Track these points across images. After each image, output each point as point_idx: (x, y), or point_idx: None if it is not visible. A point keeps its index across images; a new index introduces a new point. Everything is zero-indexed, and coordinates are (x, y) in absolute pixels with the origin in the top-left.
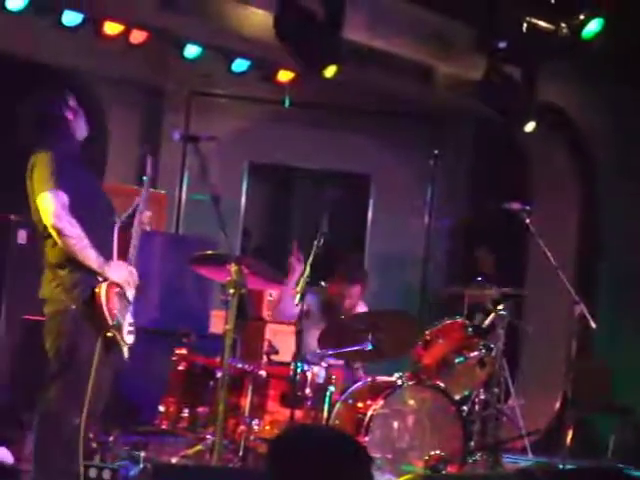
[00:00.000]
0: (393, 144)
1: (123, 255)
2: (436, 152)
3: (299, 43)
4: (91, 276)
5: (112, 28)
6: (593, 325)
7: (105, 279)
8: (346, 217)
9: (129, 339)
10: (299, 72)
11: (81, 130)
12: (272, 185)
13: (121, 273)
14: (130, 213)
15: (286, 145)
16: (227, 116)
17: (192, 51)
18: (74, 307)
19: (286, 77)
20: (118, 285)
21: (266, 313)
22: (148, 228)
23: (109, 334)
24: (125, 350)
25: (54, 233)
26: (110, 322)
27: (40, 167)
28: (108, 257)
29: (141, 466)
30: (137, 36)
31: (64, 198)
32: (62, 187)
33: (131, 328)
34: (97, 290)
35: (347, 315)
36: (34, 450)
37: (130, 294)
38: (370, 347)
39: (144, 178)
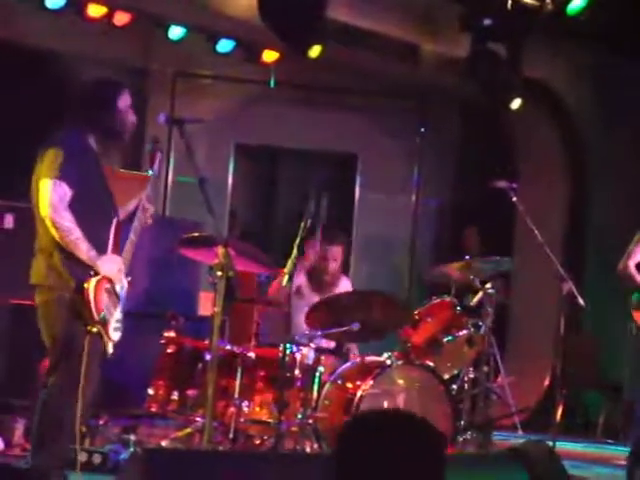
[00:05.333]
0: (380, 123)
1: (117, 248)
2: (422, 130)
3: (283, 23)
4: (84, 265)
5: (96, 10)
6: (581, 302)
7: (96, 272)
8: (333, 196)
9: (115, 336)
10: (284, 52)
11: (120, 127)
12: (259, 165)
13: (111, 267)
14: (132, 208)
15: (272, 125)
16: (212, 97)
17: (176, 32)
18: (67, 295)
19: (271, 57)
20: (109, 281)
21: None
22: (150, 222)
23: (94, 329)
24: (110, 346)
25: (48, 222)
26: (96, 317)
27: (50, 156)
28: (102, 251)
29: (131, 450)
30: (121, 18)
31: (65, 190)
32: (67, 179)
33: (118, 325)
34: (86, 285)
35: (332, 279)
36: (34, 435)
37: (120, 289)
38: (357, 327)
39: (149, 172)
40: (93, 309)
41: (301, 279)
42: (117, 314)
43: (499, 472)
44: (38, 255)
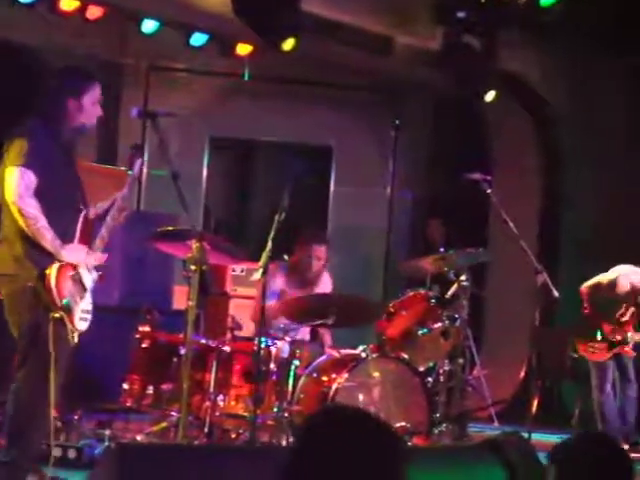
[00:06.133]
0: (354, 116)
1: (86, 243)
2: (397, 123)
3: (257, 16)
4: (48, 254)
5: (68, 4)
6: (556, 294)
7: (59, 261)
8: (308, 189)
9: (81, 325)
10: (258, 45)
11: (84, 120)
12: (233, 159)
13: (76, 255)
14: (107, 206)
15: (247, 118)
16: (186, 90)
17: (149, 26)
18: (31, 284)
19: (245, 50)
20: (74, 268)
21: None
22: (122, 221)
23: (57, 315)
24: (75, 335)
25: (14, 210)
26: (58, 303)
27: (16, 146)
28: (68, 242)
29: (105, 444)
30: (94, 11)
31: (31, 178)
32: (33, 168)
33: (85, 315)
34: (47, 271)
35: (314, 278)
36: (8, 429)
37: (88, 280)
38: (332, 320)
39: (129, 172)
40: (55, 295)
41: (282, 281)
42: (84, 304)
43: (474, 464)
44: (2, 244)
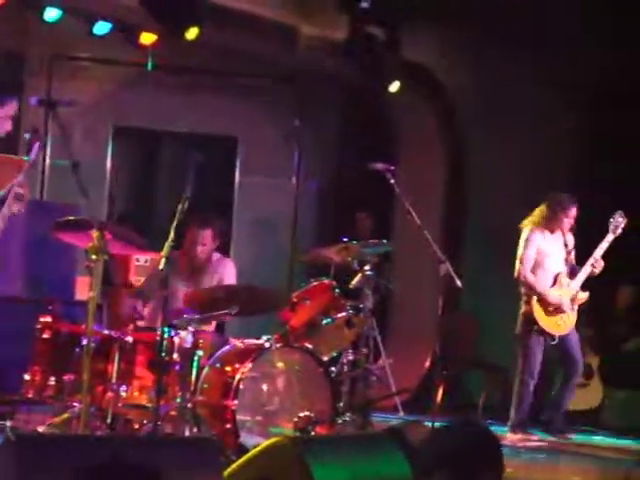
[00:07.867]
0: (259, 106)
1: None
2: (302, 113)
3: (160, 5)
4: None
5: None
6: (459, 284)
7: None
8: (213, 180)
9: None
10: (161, 34)
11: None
12: (138, 149)
13: None
14: (4, 194)
15: (151, 108)
16: (90, 80)
17: (52, 14)
18: None
19: (148, 39)
20: None
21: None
22: (21, 209)
23: None
24: None
25: None
26: None
27: None
28: None
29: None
30: None
31: None
32: None
33: None
34: None
35: (202, 264)
36: None
37: None
38: (235, 310)
39: (25, 158)
40: None
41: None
42: None
43: (375, 451)
44: None
